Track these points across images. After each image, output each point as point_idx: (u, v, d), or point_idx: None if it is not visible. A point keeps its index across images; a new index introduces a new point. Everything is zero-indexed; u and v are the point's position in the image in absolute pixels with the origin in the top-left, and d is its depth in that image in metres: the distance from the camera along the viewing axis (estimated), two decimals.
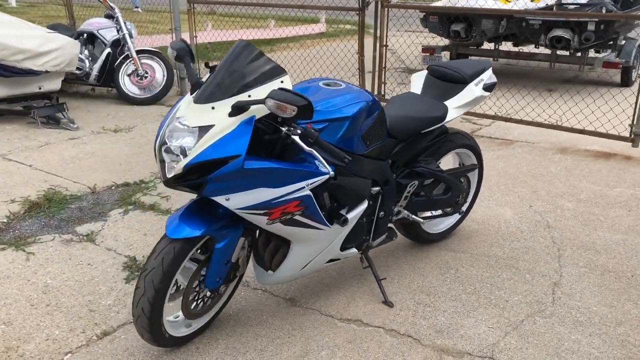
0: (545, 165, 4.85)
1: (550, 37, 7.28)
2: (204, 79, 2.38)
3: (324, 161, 2.29)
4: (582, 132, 5.21)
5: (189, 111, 2.23)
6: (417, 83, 3.28)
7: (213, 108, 2.20)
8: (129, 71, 6.89)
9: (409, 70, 9.23)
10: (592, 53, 8.05)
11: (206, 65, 2.45)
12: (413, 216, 3.12)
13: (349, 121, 2.50)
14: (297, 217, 2.41)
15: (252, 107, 2.20)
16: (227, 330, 2.69)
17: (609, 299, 2.93)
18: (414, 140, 2.96)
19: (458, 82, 3.12)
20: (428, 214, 3.39)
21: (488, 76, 3.20)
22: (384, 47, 6.26)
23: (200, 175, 2.17)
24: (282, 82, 2.28)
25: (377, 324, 2.74)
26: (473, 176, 3.51)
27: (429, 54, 8.39)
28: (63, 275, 3.13)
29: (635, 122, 4.91)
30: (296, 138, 2.23)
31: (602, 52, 8.08)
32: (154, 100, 6.94)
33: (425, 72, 3.29)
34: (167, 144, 2.23)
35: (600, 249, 3.42)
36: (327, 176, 2.40)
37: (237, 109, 2.18)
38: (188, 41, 7.54)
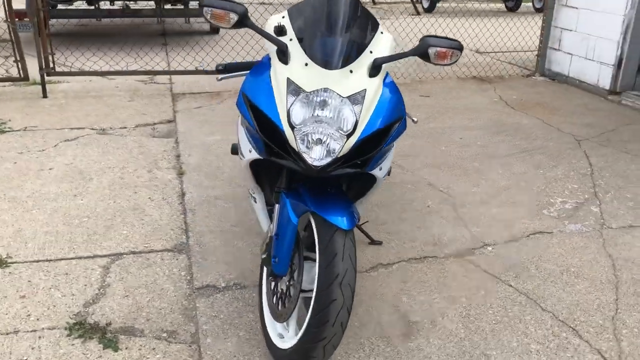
0: None
1: None
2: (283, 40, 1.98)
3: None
4: None
5: (322, 80, 1.87)
6: None
7: (351, 71, 1.92)
8: None
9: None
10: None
11: (275, 27, 2.00)
12: None
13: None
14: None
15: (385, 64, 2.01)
16: None
17: (468, 181, 3.80)
18: None
19: None
20: None
21: None
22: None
23: (362, 151, 1.90)
24: (382, 32, 2.11)
25: (394, 260, 2.87)
26: None
27: (18, 19, 7.21)
28: None
29: None
30: None
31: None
32: None
33: None
34: (297, 126, 1.83)
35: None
36: None
37: (376, 68, 1.97)
38: None
